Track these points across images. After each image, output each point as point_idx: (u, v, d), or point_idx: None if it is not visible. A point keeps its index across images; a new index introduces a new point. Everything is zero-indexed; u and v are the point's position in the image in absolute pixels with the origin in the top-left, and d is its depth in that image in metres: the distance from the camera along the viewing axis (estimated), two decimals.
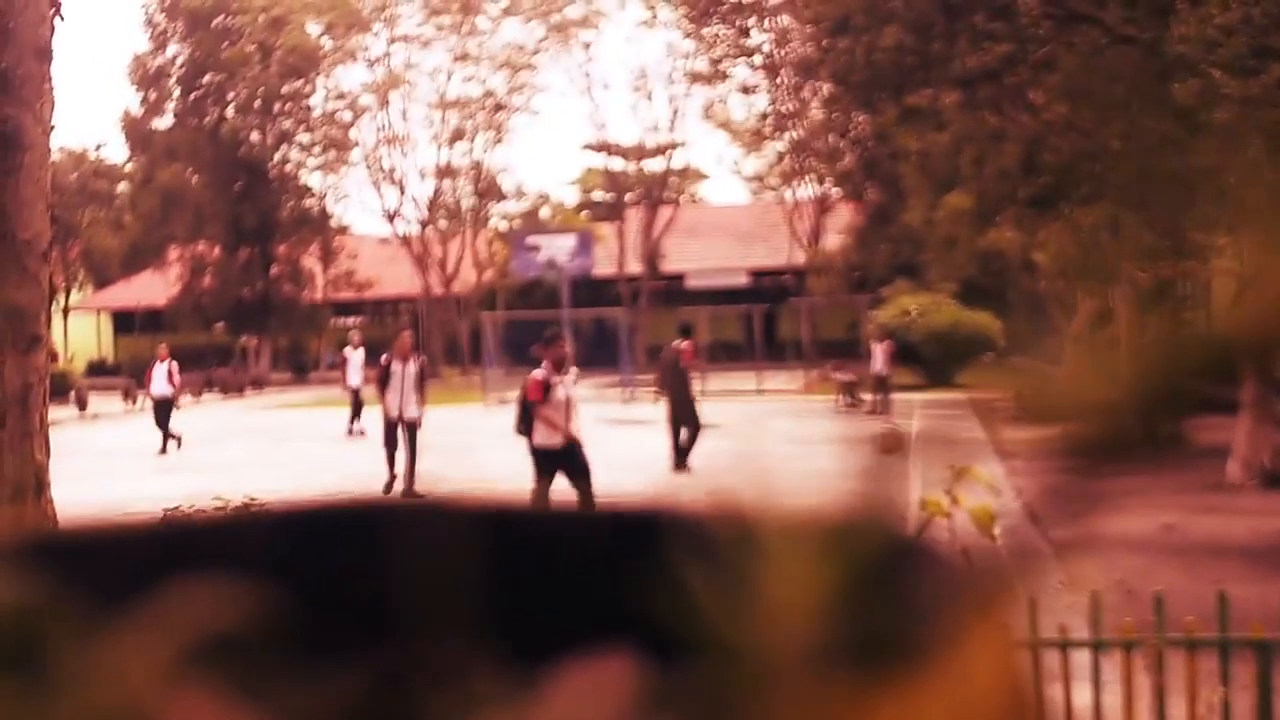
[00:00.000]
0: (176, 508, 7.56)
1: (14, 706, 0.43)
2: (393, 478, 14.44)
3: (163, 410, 21.21)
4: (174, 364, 21.55)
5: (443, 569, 0.49)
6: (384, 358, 14.57)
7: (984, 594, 0.48)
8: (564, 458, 10.44)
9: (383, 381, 14.34)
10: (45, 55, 5.62)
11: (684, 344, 16.85)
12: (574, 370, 11.04)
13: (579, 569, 0.50)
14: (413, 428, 14.14)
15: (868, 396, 24.46)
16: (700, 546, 0.47)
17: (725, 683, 0.44)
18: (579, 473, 10.38)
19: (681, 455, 15.68)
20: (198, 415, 31.69)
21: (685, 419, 15.80)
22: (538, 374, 10.58)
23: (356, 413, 22.62)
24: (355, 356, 23.54)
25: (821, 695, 0.44)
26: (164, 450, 20.89)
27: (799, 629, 0.45)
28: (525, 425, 10.69)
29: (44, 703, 0.43)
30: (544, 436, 10.50)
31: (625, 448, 18.67)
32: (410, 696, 0.46)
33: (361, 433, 21.99)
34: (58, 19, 5.66)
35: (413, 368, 14.27)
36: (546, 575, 0.51)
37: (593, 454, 10.84)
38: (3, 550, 0.52)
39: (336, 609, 0.49)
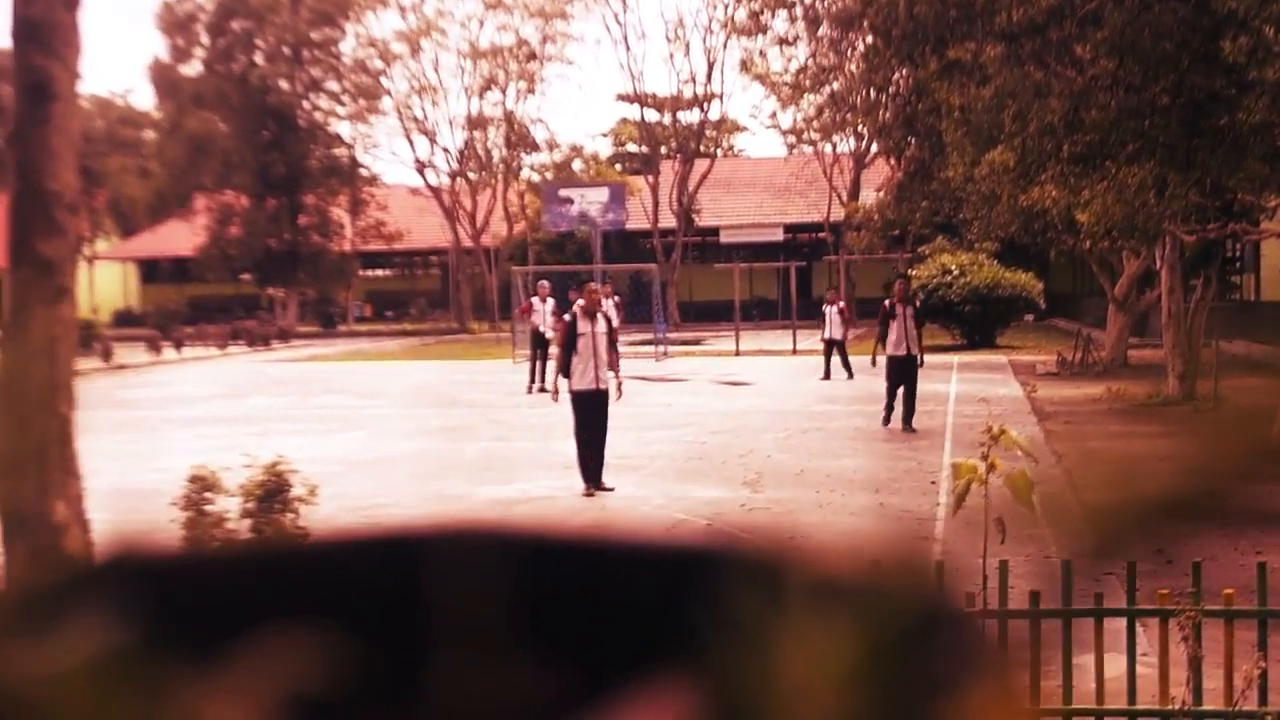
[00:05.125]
0: (203, 465, 7.53)
1: None
2: (590, 480, 11.39)
3: None
4: None
5: (491, 599, 0.49)
6: (568, 314, 11.70)
7: (998, 663, 0.49)
8: None
9: (568, 346, 11.37)
10: (73, 3, 5.50)
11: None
12: None
13: (623, 605, 0.51)
14: (603, 404, 11.42)
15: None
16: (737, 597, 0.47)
17: None
18: None
19: (908, 417, 15.52)
20: (227, 368, 31.80)
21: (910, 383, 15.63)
22: None
23: None
24: None
25: None
26: None
27: (823, 692, 0.46)
28: None
29: None
30: None
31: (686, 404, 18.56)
32: None
33: None
34: None
35: (603, 326, 11.44)
36: (591, 609, 0.51)
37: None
38: (80, 581, 0.49)
39: (410, 644, 0.49)
